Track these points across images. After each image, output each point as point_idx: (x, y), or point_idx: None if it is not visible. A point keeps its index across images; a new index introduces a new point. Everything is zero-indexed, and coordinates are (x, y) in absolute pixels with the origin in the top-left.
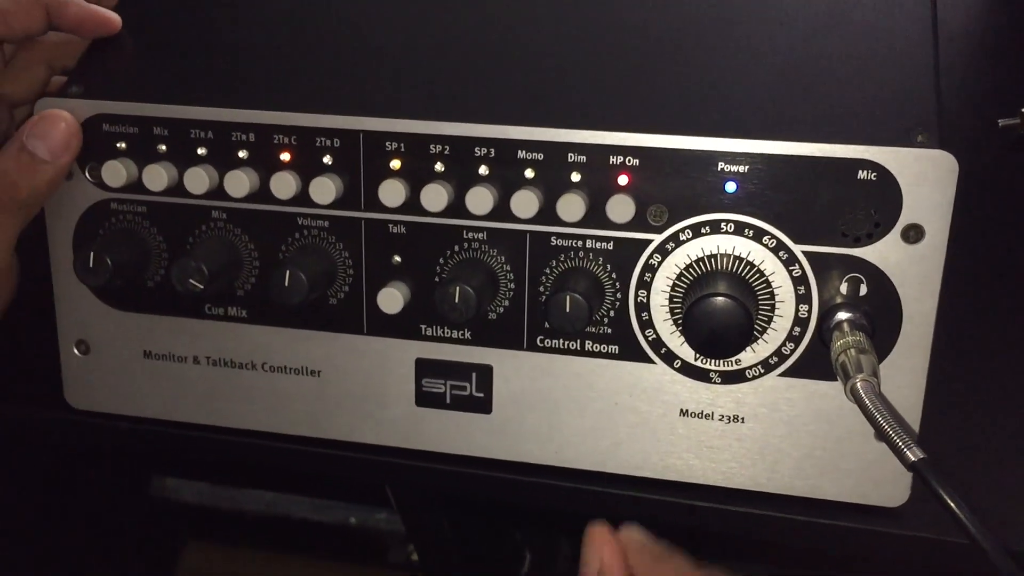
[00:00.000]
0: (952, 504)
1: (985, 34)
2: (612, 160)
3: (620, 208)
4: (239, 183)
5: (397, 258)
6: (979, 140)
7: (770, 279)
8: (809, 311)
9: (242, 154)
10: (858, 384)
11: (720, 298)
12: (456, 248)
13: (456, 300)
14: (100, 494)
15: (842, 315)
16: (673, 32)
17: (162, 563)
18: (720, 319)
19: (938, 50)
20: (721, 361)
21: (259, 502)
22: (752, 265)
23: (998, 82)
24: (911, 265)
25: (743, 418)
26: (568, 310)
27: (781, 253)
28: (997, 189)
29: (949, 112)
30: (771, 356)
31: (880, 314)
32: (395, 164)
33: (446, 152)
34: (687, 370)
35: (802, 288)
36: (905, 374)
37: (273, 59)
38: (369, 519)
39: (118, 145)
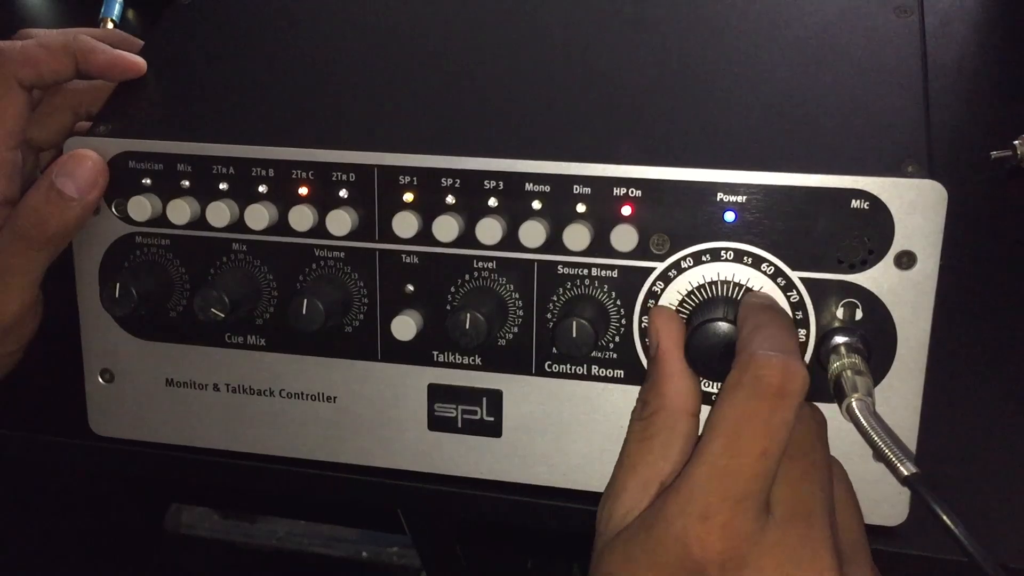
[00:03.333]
0: (946, 518)
1: (975, 66)
2: (615, 192)
3: (624, 237)
4: (259, 216)
5: (410, 287)
6: (971, 170)
7: None
8: (807, 335)
9: (262, 189)
10: (853, 403)
11: (720, 323)
12: (467, 277)
13: (467, 327)
14: (117, 528)
15: (839, 339)
16: (673, 68)
17: None
18: (720, 343)
19: (927, 83)
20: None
21: (272, 536)
22: (751, 291)
23: (988, 114)
24: (904, 290)
25: None
26: (575, 335)
27: (779, 279)
28: (988, 218)
29: (940, 143)
30: None
31: (875, 338)
32: (408, 197)
33: (457, 185)
34: None
35: (800, 313)
36: (901, 396)
37: (291, 98)
38: (382, 553)
39: (143, 181)
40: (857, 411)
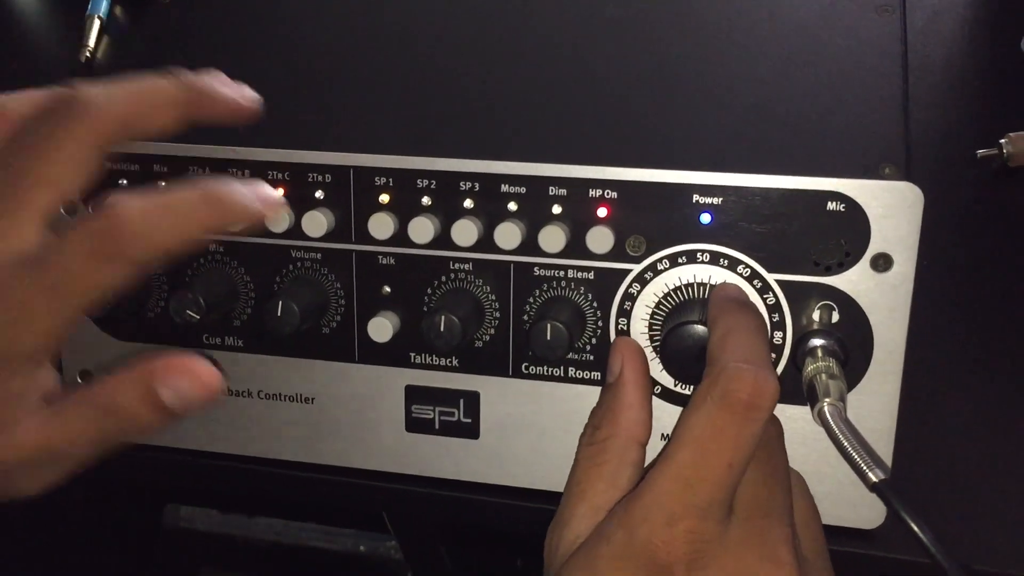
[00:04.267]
0: (912, 523)
1: (963, 63)
2: (591, 193)
3: (600, 239)
4: None
5: (387, 288)
6: (957, 169)
7: None
8: (784, 338)
9: None
10: (825, 408)
11: (695, 325)
12: (443, 279)
13: (442, 329)
14: (114, 522)
15: (815, 341)
16: (650, 70)
17: None
18: (695, 345)
19: (907, 83)
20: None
21: (270, 531)
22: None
23: (976, 112)
24: (881, 293)
25: None
26: (549, 338)
27: (755, 282)
28: (973, 217)
29: (926, 142)
30: None
31: (852, 340)
32: (384, 198)
33: (433, 186)
34: (667, 395)
35: (776, 316)
36: (878, 398)
37: (266, 98)
38: (379, 547)
39: (120, 182)
40: (828, 416)
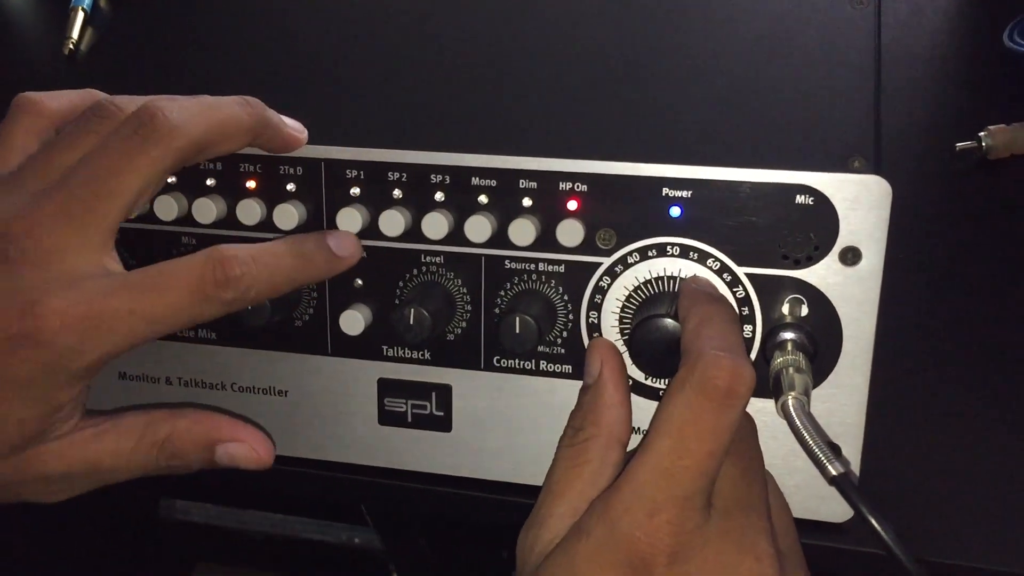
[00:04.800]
0: (870, 516)
1: (945, 56)
2: (561, 186)
3: (570, 232)
4: (207, 210)
5: (359, 281)
6: (933, 164)
7: None
8: (754, 331)
9: (210, 182)
10: (789, 401)
11: (663, 319)
12: (415, 271)
13: (411, 322)
14: (110, 515)
15: (784, 335)
16: (619, 62)
17: None
18: (664, 338)
19: (880, 76)
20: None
21: (265, 523)
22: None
23: (954, 106)
24: (849, 286)
25: None
26: (518, 331)
27: (725, 275)
28: (951, 210)
29: (906, 135)
30: None
31: (821, 334)
32: (355, 191)
33: (403, 179)
34: (638, 389)
35: (746, 309)
36: (847, 392)
37: (238, 91)
38: (374, 539)
39: None
40: (791, 409)
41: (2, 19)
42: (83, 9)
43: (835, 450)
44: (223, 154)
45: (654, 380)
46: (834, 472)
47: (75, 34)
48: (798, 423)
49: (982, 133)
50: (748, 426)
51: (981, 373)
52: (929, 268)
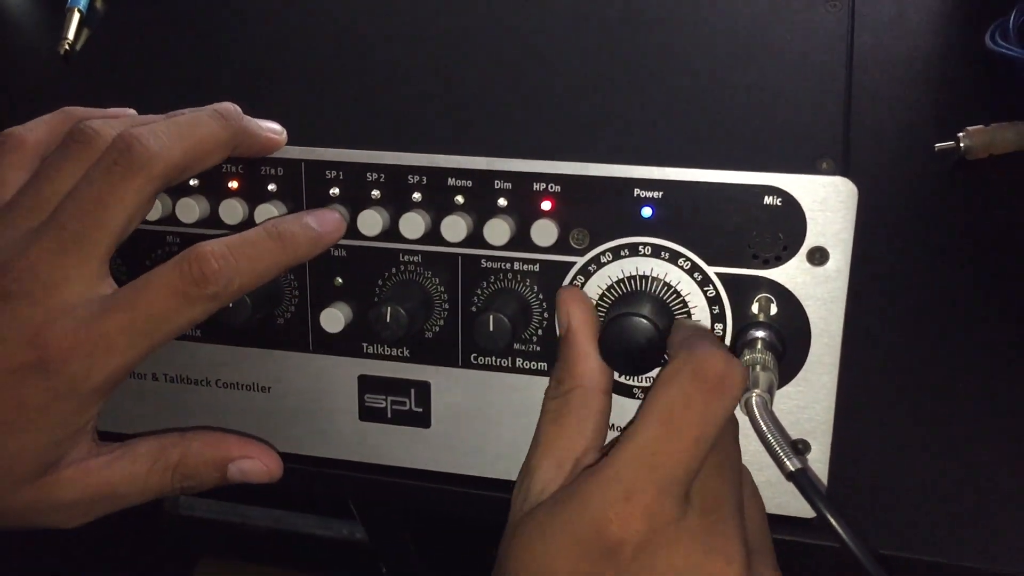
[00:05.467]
0: (826, 511)
1: (926, 57)
2: (536, 187)
3: (544, 232)
4: (190, 210)
5: (339, 280)
6: (913, 165)
7: (686, 299)
8: (724, 330)
9: (193, 183)
10: (752, 398)
11: (632, 317)
12: (393, 270)
13: (388, 319)
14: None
15: (753, 334)
16: (592, 66)
17: None
18: (633, 337)
19: (851, 76)
20: (643, 378)
21: (268, 518)
22: (669, 286)
23: (935, 107)
24: (817, 285)
25: None
26: (492, 329)
27: (696, 274)
28: (930, 210)
29: (885, 136)
30: None
31: (790, 333)
32: (335, 191)
33: (382, 180)
34: (615, 387)
35: (716, 308)
36: (816, 389)
37: (220, 92)
38: None
39: None
40: (754, 405)
41: None
42: (79, 10)
43: (799, 447)
44: (205, 169)
45: (627, 378)
46: (791, 467)
47: (71, 34)
48: (759, 419)
49: (960, 134)
50: (731, 425)
51: (952, 371)
52: (903, 267)
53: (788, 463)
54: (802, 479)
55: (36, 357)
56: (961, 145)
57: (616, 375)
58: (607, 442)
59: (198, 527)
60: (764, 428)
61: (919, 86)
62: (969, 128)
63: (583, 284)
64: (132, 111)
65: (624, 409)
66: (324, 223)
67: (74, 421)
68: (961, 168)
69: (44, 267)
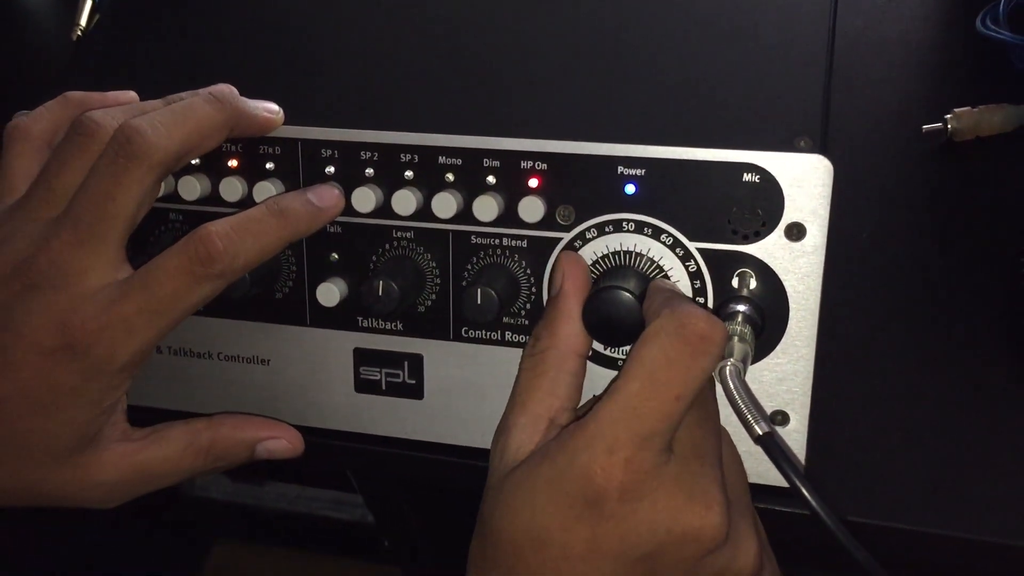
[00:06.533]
0: (792, 475)
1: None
2: (523, 165)
3: (531, 209)
4: (192, 188)
5: (334, 255)
6: (898, 145)
7: (669, 274)
8: (705, 303)
9: (195, 161)
10: (726, 367)
11: (616, 290)
12: (387, 246)
13: (379, 293)
14: None
15: (734, 307)
16: (580, 44)
17: (192, 559)
18: (616, 309)
19: (832, 57)
20: (629, 349)
21: (281, 499)
22: (652, 261)
23: (927, 87)
24: (794, 260)
25: None
26: (479, 302)
27: (678, 250)
28: (915, 191)
29: (875, 117)
30: None
31: (769, 307)
32: (330, 170)
33: (375, 158)
34: (597, 358)
35: (698, 282)
36: (794, 361)
37: (217, 75)
38: None
39: None
40: (727, 373)
41: (12, 6)
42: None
43: (779, 418)
44: (205, 152)
45: (612, 350)
46: (759, 431)
47: (83, 21)
48: (730, 385)
49: (948, 116)
50: (711, 383)
51: (928, 345)
52: (882, 243)
53: (756, 427)
54: (769, 442)
55: (65, 342)
56: (949, 127)
57: (604, 348)
58: (582, 404)
59: (213, 507)
60: (736, 395)
61: (910, 69)
62: (957, 110)
63: None
64: (132, 93)
65: (609, 381)
66: (324, 199)
67: (105, 399)
68: (947, 149)
69: (65, 258)
